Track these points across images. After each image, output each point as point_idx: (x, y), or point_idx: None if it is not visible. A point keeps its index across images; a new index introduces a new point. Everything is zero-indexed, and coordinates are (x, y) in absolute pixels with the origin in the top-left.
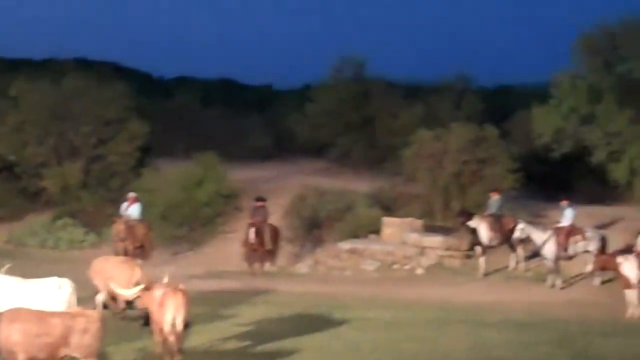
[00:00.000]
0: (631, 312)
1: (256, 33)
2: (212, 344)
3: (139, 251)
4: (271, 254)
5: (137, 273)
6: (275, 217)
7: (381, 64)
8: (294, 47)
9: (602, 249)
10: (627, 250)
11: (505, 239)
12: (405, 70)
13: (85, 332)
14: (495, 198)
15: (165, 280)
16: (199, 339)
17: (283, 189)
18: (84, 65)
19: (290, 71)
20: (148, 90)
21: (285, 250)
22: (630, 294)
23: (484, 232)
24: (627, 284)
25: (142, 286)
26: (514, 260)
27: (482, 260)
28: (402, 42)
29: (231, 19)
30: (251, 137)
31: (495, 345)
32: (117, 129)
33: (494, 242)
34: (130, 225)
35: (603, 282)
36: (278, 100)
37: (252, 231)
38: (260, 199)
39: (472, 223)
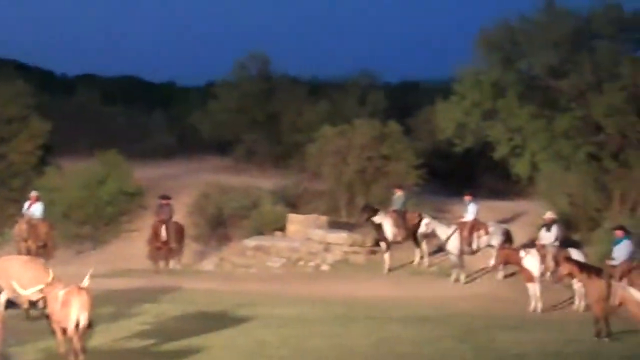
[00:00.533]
0: (533, 305)
1: (159, 30)
2: (116, 343)
3: (42, 250)
4: (176, 252)
5: (43, 272)
6: (179, 215)
7: (286, 61)
8: (199, 44)
9: (505, 243)
10: (530, 244)
11: (410, 234)
12: (309, 67)
13: None
14: (399, 194)
15: (87, 280)
16: (103, 338)
17: (187, 186)
18: None
19: (195, 68)
20: (50, 88)
21: (190, 248)
22: (533, 288)
23: (389, 228)
24: (530, 278)
25: (42, 285)
26: (419, 255)
27: (386, 256)
28: (306, 39)
29: (134, 16)
30: (155, 134)
31: (399, 341)
32: (18, 127)
33: (399, 238)
34: (32, 225)
35: (506, 276)
36: (182, 98)
37: (164, 228)
38: (165, 197)
39: (376, 219)
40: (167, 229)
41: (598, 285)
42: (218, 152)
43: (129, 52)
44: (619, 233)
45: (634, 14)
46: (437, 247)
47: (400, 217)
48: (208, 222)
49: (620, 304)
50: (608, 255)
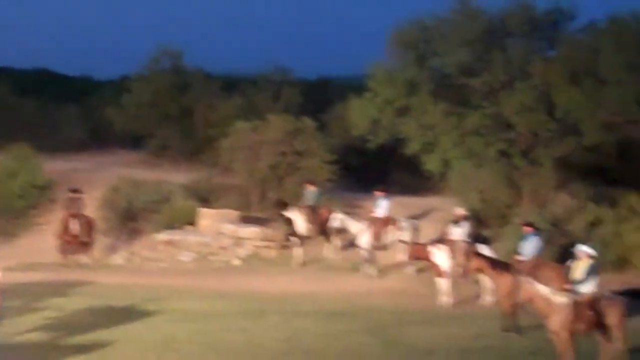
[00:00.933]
0: (443, 300)
1: (73, 23)
2: (23, 337)
3: None
4: (86, 246)
5: None
6: (90, 209)
7: (199, 56)
8: (114, 38)
9: (416, 239)
10: (440, 239)
11: (322, 229)
12: (223, 63)
13: None
14: (311, 189)
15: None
16: (10, 331)
17: (99, 180)
18: None
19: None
20: None
21: (101, 242)
22: (442, 283)
23: (301, 223)
24: (440, 273)
25: None
26: (330, 250)
27: (298, 251)
28: (221, 34)
29: (47, 8)
30: (67, 128)
31: (309, 335)
32: None
33: (311, 233)
34: None
35: (416, 272)
36: (96, 91)
37: (73, 222)
38: (75, 190)
39: (288, 214)
40: (77, 222)
41: (506, 280)
42: (131, 146)
43: (42, 44)
44: (527, 229)
45: (546, 13)
46: (349, 242)
47: (313, 213)
48: (119, 216)
49: (528, 300)
50: (517, 251)
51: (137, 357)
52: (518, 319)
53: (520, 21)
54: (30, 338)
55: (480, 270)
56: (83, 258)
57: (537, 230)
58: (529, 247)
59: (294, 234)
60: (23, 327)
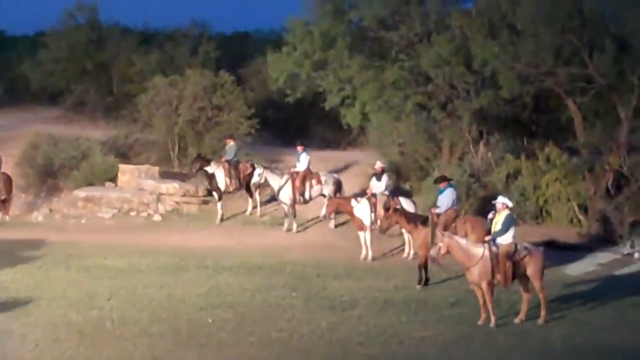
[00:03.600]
0: (364, 254)
1: None
2: None
3: None
4: (4, 203)
5: None
6: (8, 166)
7: (115, 10)
8: None
9: (337, 193)
10: (361, 193)
11: (242, 184)
12: (140, 17)
13: None
14: (230, 144)
15: None
16: None
17: (16, 137)
18: None
19: (23, 17)
20: None
21: (19, 199)
22: (364, 236)
23: (221, 178)
24: (361, 227)
25: None
26: (251, 205)
27: (219, 206)
28: None
29: None
30: None
31: (231, 290)
32: None
33: (231, 188)
34: None
35: (337, 225)
36: (10, 47)
37: None
38: None
39: (209, 169)
40: None
41: (423, 233)
42: (48, 102)
43: None
44: (442, 184)
45: None
46: (270, 196)
47: (233, 167)
48: (37, 173)
49: (447, 252)
50: (434, 204)
51: (60, 314)
52: (428, 272)
53: None
54: None
55: (397, 223)
56: (1, 216)
57: (451, 183)
58: (444, 199)
59: (215, 189)
60: None
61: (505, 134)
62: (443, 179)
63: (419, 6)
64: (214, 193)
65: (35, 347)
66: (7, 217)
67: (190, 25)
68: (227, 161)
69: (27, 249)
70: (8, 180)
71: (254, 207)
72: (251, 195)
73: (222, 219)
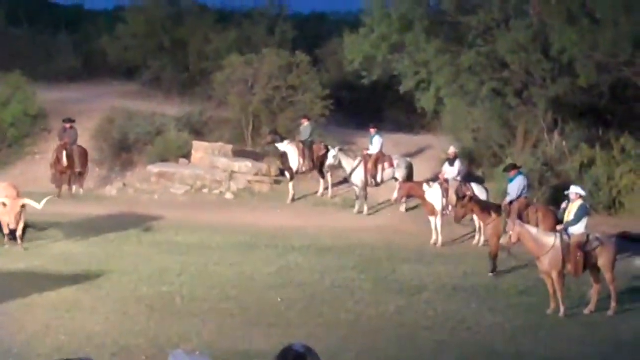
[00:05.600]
0: (435, 239)
1: None
2: (18, 266)
3: None
4: (80, 177)
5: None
6: (83, 140)
7: None
8: None
9: (409, 177)
10: (433, 178)
11: (316, 165)
12: None
13: None
14: (305, 124)
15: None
16: (5, 260)
17: (92, 111)
18: None
19: None
20: None
21: (94, 173)
22: (434, 221)
23: (294, 157)
24: (432, 212)
25: None
26: (323, 186)
27: (291, 186)
28: None
29: None
30: (60, 57)
31: (300, 270)
32: None
33: (304, 169)
34: None
35: (408, 210)
36: (89, 21)
37: (64, 153)
38: (69, 120)
39: (280, 146)
40: (70, 153)
41: (495, 222)
42: (125, 77)
43: None
44: (512, 172)
45: None
46: (342, 178)
47: (307, 148)
48: (112, 148)
49: (518, 240)
50: (505, 192)
51: (131, 288)
52: (497, 261)
53: None
54: (25, 267)
55: (469, 211)
56: (76, 189)
57: (521, 171)
58: (515, 187)
59: (287, 168)
60: (17, 257)
61: (581, 122)
62: (512, 167)
63: None
64: (286, 173)
65: (105, 321)
66: (81, 191)
67: (268, 5)
68: (301, 141)
69: (100, 222)
70: (83, 154)
71: (326, 188)
72: (323, 177)
73: (293, 199)
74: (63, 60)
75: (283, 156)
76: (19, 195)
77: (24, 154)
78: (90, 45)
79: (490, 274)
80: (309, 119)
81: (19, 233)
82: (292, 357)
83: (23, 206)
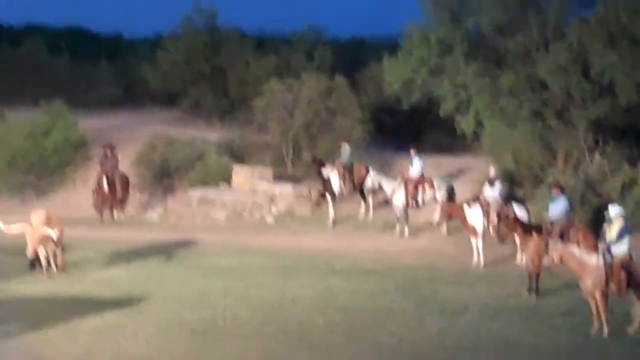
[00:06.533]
0: (476, 260)
1: None
2: (61, 291)
3: None
4: (121, 202)
5: None
6: (125, 166)
7: (233, 15)
8: None
9: (450, 198)
10: (474, 199)
11: (356, 187)
12: (257, 22)
13: None
14: (346, 147)
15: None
16: (48, 285)
17: (133, 137)
18: None
19: (142, 21)
20: None
21: (135, 198)
22: (476, 243)
23: (335, 181)
24: (473, 233)
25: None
26: (364, 208)
27: (332, 209)
28: None
29: None
30: (101, 86)
31: (342, 293)
32: None
33: (345, 191)
34: None
35: (450, 231)
36: (129, 50)
37: (104, 179)
38: (109, 146)
39: (325, 172)
40: (112, 179)
41: (537, 242)
42: (165, 104)
43: (76, 2)
44: (555, 191)
45: None
46: (383, 200)
47: (347, 170)
48: (153, 173)
49: (561, 261)
50: (546, 212)
51: (173, 312)
52: (539, 282)
53: None
54: (68, 292)
55: (511, 231)
56: (117, 214)
57: (564, 192)
58: (557, 208)
59: (329, 191)
60: (61, 282)
61: (622, 142)
62: (557, 185)
63: (538, 14)
64: (328, 196)
65: (148, 345)
66: (123, 216)
67: (306, 30)
68: (341, 164)
69: (142, 247)
70: (125, 180)
71: (367, 210)
72: (364, 199)
73: (334, 222)
74: (104, 89)
75: (325, 180)
76: (50, 223)
77: (65, 181)
78: (130, 73)
79: (529, 294)
80: (348, 142)
81: (43, 262)
82: None
83: (47, 236)
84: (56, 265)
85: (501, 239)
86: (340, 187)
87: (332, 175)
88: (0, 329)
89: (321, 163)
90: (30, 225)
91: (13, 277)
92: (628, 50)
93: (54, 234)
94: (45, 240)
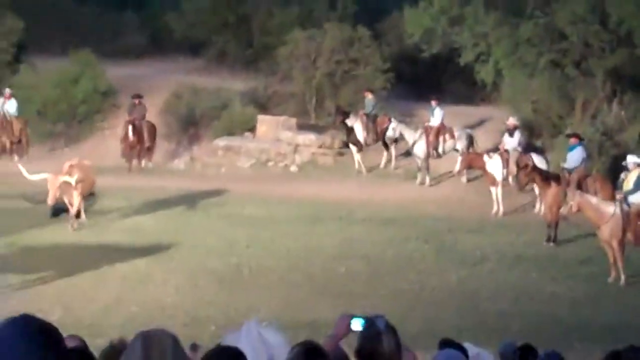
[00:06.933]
0: (496, 209)
1: None
2: (90, 239)
3: (17, 146)
4: (149, 151)
5: None
6: (151, 115)
7: None
8: None
9: (469, 148)
10: (493, 149)
11: (379, 137)
12: None
13: None
14: (369, 97)
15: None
16: (78, 233)
17: (159, 87)
18: None
19: None
20: None
21: (162, 147)
22: (495, 192)
23: (359, 131)
24: (493, 182)
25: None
26: (385, 158)
27: (359, 158)
28: None
29: None
30: (127, 34)
31: (363, 241)
32: None
33: (368, 141)
34: (7, 121)
35: (470, 180)
36: None
37: (131, 128)
38: (137, 96)
39: (349, 122)
40: (140, 127)
41: (555, 191)
42: (190, 53)
43: None
44: (573, 140)
45: None
46: (404, 150)
47: (370, 121)
48: (179, 122)
49: (578, 210)
50: (563, 161)
51: (201, 260)
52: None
53: None
54: (97, 240)
55: (530, 181)
56: (145, 162)
57: (582, 141)
58: (574, 157)
59: (354, 141)
60: (90, 230)
61: (639, 92)
62: (574, 135)
63: None
64: (351, 145)
65: (176, 292)
66: (150, 164)
67: None
68: (365, 114)
69: (169, 195)
70: (152, 129)
71: (388, 160)
72: (387, 149)
73: (363, 171)
74: (130, 38)
75: (349, 129)
76: (72, 171)
77: (94, 129)
78: (155, 22)
79: (547, 243)
80: (372, 92)
81: (72, 212)
82: (374, 333)
83: (67, 183)
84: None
85: (520, 187)
86: (364, 136)
87: (356, 125)
88: (32, 276)
89: (345, 113)
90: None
91: (43, 225)
92: None
93: (72, 180)
94: (66, 187)
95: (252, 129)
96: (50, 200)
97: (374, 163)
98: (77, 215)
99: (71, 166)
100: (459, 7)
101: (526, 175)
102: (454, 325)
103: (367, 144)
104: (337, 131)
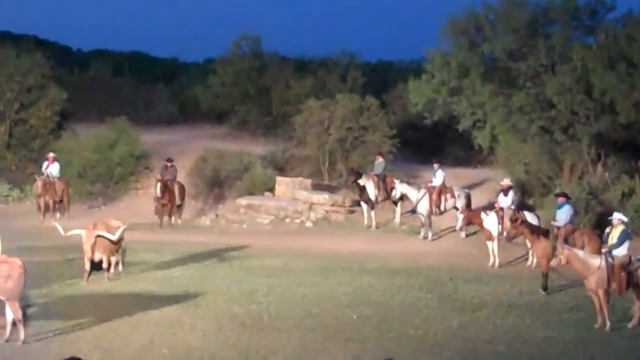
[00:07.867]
0: (492, 261)
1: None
2: (125, 288)
3: (59, 205)
4: (179, 209)
5: None
6: (180, 176)
7: (276, 41)
8: (200, 24)
9: (468, 206)
10: (490, 207)
11: (389, 195)
12: (297, 47)
13: (8, 278)
14: (380, 160)
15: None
16: (114, 282)
17: (188, 151)
18: (6, 37)
19: (195, 46)
20: (67, 61)
21: (190, 206)
22: (491, 246)
23: (371, 190)
24: (489, 237)
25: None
26: (398, 213)
27: (371, 214)
28: (294, 21)
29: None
30: (159, 104)
31: (373, 290)
32: (38, 95)
33: (380, 199)
34: (50, 182)
35: (468, 235)
36: (184, 72)
37: (160, 186)
38: (169, 159)
39: (361, 181)
40: (171, 187)
41: (544, 245)
42: (215, 121)
43: (137, 29)
44: (561, 199)
45: (586, 3)
46: (409, 208)
47: (381, 181)
48: (206, 183)
49: (567, 262)
50: (553, 218)
51: (225, 307)
52: (548, 280)
53: (562, 11)
54: (131, 289)
55: (519, 233)
56: (175, 219)
57: (569, 199)
58: (562, 214)
59: (365, 200)
60: (124, 280)
61: (621, 156)
62: (563, 194)
63: (545, 40)
64: (362, 203)
65: (203, 336)
66: (179, 221)
67: (340, 55)
68: (376, 175)
69: (196, 249)
70: (182, 189)
71: (395, 216)
72: (396, 205)
73: (373, 226)
74: (161, 107)
75: (362, 188)
76: (107, 229)
77: (129, 189)
78: (184, 94)
79: (543, 292)
80: (382, 155)
81: (104, 265)
82: None
83: (100, 237)
84: (115, 266)
85: (509, 239)
86: (376, 195)
87: (368, 184)
88: (71, 322)
89: (359, 174)
90: (88, 230)
91: (80, 276)
92: (626, 72)
93: (110, 236)
94: (101, 244)
95: (272, 189)
96: (87, 254)
97: (382, 219)
98: (108, 267)
99: (95, 224)
100: (457, 80)
101: (514, 228)
102: None
103: (377, 202)
104: (348, 191)
